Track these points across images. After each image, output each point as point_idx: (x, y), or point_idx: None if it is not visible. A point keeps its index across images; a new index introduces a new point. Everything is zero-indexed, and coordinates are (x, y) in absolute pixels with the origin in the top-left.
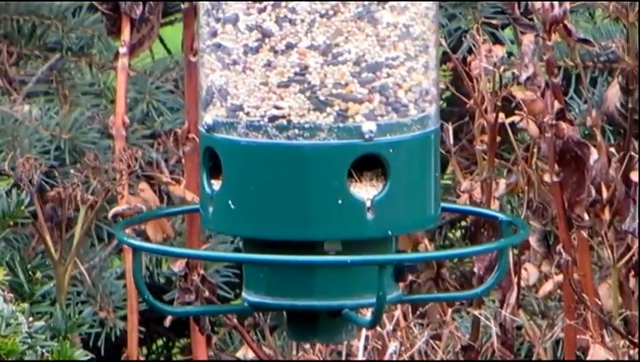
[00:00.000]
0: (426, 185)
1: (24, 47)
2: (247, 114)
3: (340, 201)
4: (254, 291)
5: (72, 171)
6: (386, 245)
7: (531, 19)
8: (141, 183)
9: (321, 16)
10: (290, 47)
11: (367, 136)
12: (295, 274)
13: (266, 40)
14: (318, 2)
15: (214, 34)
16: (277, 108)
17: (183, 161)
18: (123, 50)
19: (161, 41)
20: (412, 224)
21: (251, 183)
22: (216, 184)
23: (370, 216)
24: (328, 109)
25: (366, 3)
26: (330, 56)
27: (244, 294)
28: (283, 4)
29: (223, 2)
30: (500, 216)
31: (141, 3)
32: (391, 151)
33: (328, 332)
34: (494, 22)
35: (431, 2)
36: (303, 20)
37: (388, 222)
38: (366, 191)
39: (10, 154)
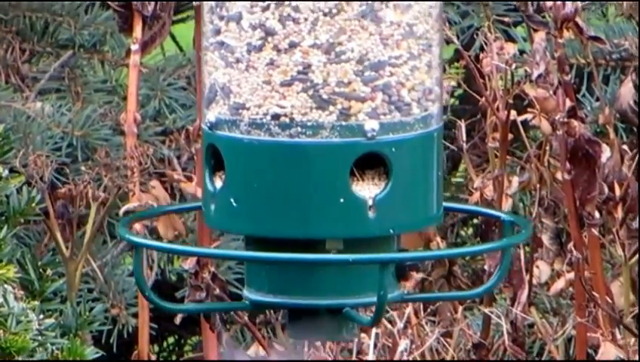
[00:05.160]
0: (429, 183)
1: (36, 44)
2: (250, 112)
3: (341, 200)
4: (255, 289)
5: (83, 168)
6: (388, 244)
7: (543, 17)
8: (153, 180)
9: (325, 14)
10: (293, 45)
11: (369, 135)
12: (296, 273)
13: (269, 38)
14: (321, 1)
15: (218, 32)
16: (279, 106)
17: (194, 158)
18: (135, 47)
19: (173, 38)
20: (414, 223)
21: (253, 181)
22: (219, 181)
23: (371, 214)
24: (331, 108)
25: (369, 2)
26: (333, 54)
27: (245, 292)
28: (286, 2)
29: (227, 0)
30: (502, 215)
31: (153, 0)
32: (393, 150)
33: (329, 330)
34: (506, 19)
35: (434, 1)
36: (306, 19)
37: (390, 220)
38: (368, 189)
39: (21, 151)
